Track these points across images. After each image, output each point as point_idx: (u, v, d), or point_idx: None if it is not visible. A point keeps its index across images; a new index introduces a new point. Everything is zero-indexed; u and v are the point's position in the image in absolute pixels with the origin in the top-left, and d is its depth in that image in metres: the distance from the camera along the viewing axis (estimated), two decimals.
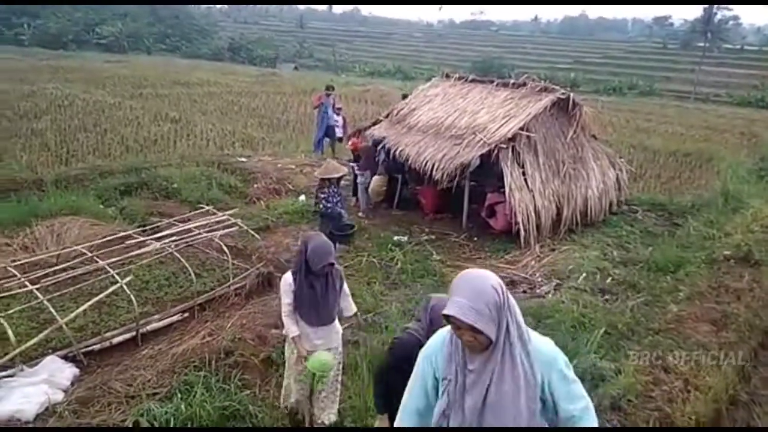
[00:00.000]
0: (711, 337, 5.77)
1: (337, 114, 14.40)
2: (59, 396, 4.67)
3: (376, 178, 10.43)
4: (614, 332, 5.95)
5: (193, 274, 6.65)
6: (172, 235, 7.37)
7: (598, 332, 5.66)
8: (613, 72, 48.23)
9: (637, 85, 42.84)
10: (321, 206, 7.51)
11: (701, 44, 45.00)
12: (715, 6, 44.21)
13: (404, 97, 13.37)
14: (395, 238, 9.02)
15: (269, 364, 5.33)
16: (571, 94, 9.74)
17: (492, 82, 10.56)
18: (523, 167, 8.96)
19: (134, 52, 51.27)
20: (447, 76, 11.55)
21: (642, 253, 8.47)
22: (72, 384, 4.96)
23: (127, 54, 48.68)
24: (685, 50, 52.01)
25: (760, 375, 5.10)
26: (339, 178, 7.73)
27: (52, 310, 5.42)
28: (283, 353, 5.39)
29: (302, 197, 10.66)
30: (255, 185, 11.49)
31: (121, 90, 23.21)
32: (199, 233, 7.36)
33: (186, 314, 6.40)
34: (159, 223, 8.21)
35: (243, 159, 13.01)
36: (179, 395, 4.59)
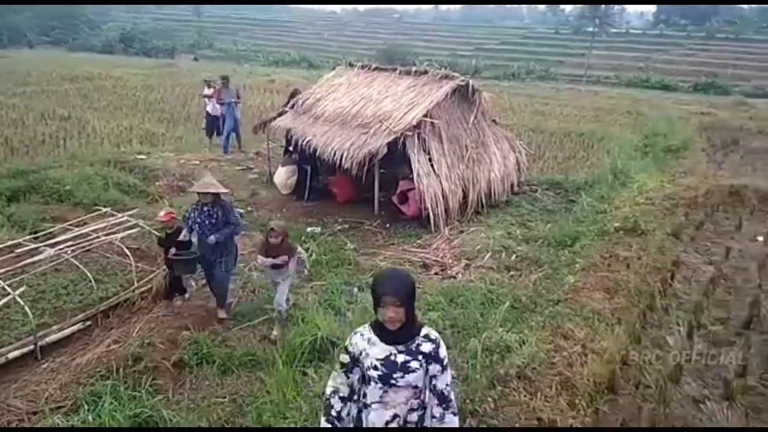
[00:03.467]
0: (605, 304, 6.21)
1: (220, 103, 13.62)
2: None
3: (283, 170, 10.29)
4: (519, 306, 6.28)
5: (93, 281, 6.32)
6: (67, 240, 6.95)
7: (503, 307, 5.95)
8: (512, 58, 50.03)
9: (534, 70, 44.75)
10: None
11: (591, 29, 47.63)
12: None
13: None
14: (308, 229, 8.99)
15: (182, 367, 5.19)
16: (470, 81, 10.07)
17: (395, 70, 10.69)
18: (429, 153, 9.19)
19: (14, 46, 47.27)
20: (351, 64, 11.57)
21: (542, 229, 8.95)
22: None
23: (6, 48, 44.78)
24: (577, 35, 54.97)
25: (648, 335, 5.53)
26: (216, 197, 6.01)
27: None
28: (195, 354, 5.30)
29: None
30: (157, 183, 11.02)
31: (1, 87, 21.34)
32: (98, 237, 6.98)
33: (88, 323, 6.09)
34: (52, 229, 7.70)
35: (142, 156, 12.42)
36: (86, 407, 4.41)
